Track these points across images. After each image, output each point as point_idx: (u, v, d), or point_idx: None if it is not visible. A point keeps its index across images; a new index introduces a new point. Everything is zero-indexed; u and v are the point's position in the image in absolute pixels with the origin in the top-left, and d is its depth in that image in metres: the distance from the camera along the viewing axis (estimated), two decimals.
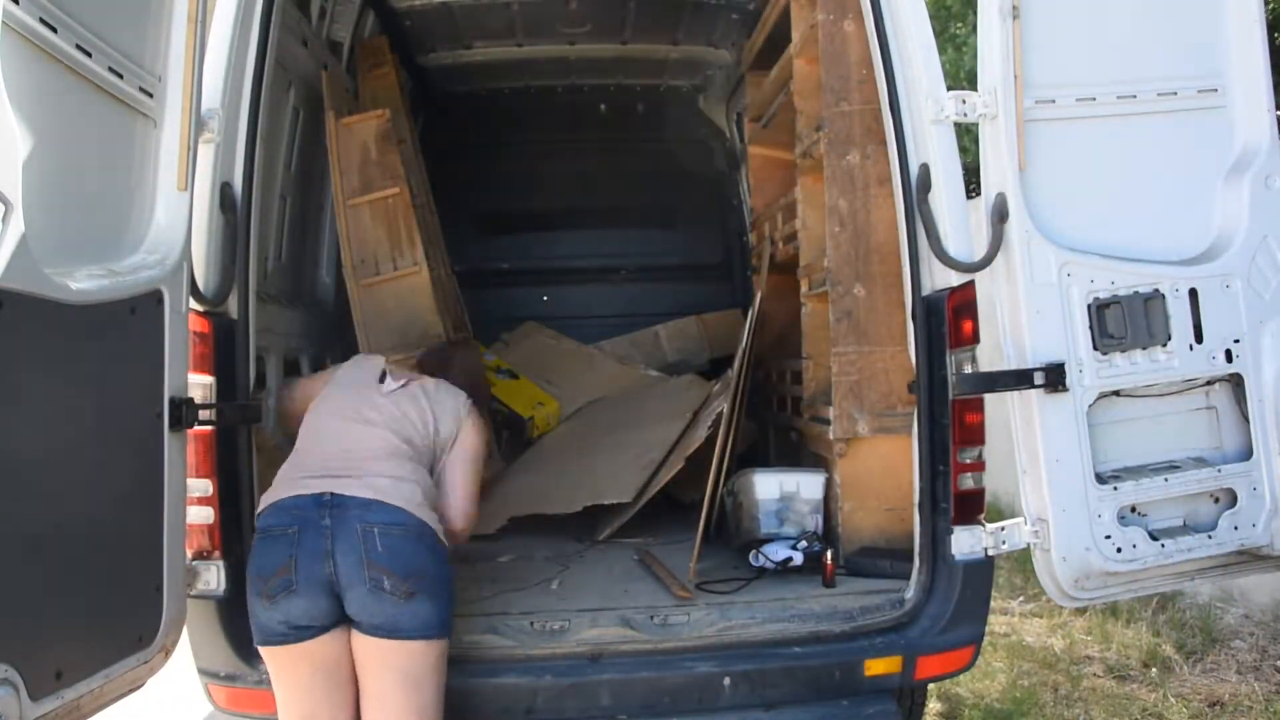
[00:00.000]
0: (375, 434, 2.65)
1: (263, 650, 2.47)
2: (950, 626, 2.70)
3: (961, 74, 7.50)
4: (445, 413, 2.78)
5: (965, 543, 2.69)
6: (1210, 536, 2.72)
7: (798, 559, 3.13)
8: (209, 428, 2.55)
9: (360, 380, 2.83)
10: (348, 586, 2.39)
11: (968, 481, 2.69)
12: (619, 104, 5.42)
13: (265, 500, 2.55)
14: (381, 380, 2.82)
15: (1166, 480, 2.71)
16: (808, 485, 3.36)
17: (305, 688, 2.44)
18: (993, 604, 2.89)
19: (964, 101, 2.68)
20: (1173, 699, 3.97)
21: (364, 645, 2.43)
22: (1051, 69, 2.69)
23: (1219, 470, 2.74)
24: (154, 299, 2.27)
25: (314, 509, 2.45)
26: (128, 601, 2.22)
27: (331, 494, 2.46)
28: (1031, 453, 2.65)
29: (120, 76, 2.20)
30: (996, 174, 2.67)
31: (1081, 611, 4.84)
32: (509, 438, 4.71)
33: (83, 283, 2.02)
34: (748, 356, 3.60)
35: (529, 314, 5.33)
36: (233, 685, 2.62)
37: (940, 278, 2.71)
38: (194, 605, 2.52)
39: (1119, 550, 2.66)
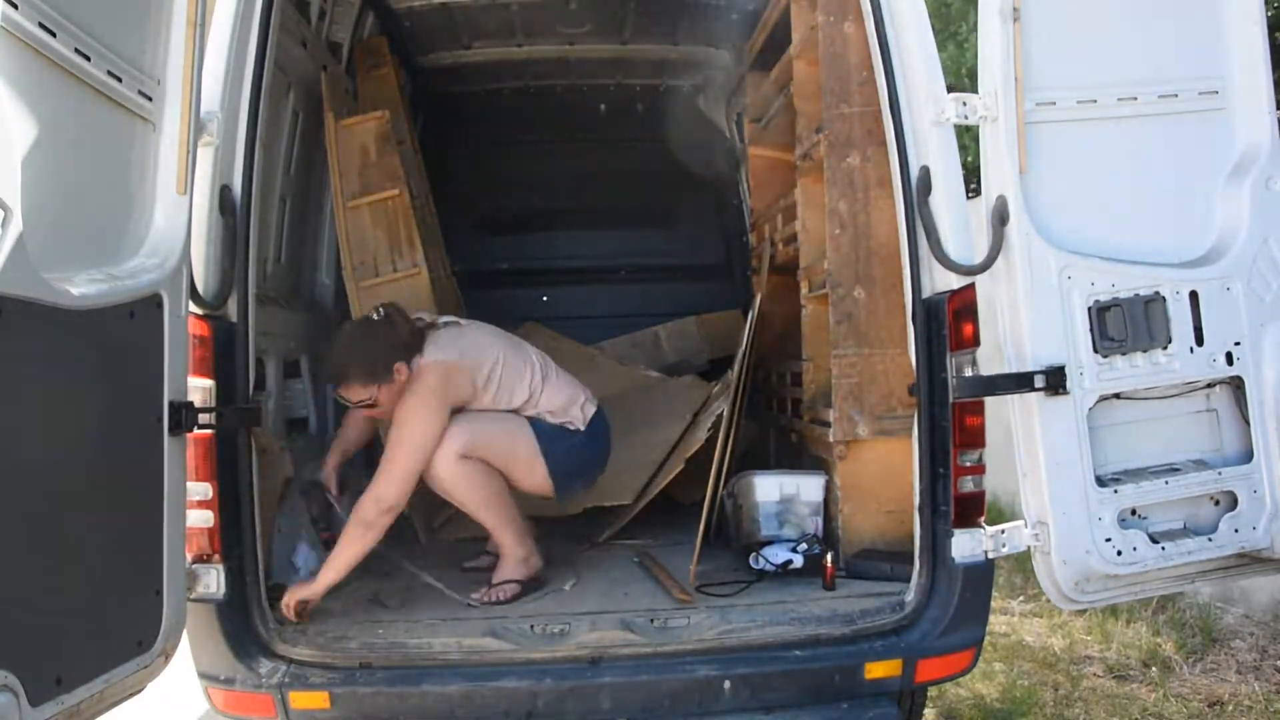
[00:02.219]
0: None
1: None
2: (950, 629, 2.70)
3: (964, 70, 7.48)
4: None
5: (965, 545, 2.68)
6: (1210, 539, 2.71)
7: (798, 561, 3.13)
8: (209, 431, 2.54)
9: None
10: None
11: (968, 484, 2.69)
12: (619, 104, 5.41)
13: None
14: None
15: (1167, 483, 2.70)
16: (808, 488, 3.36)
17: None
18: (993, 604, 2.89)
19: (964, 104, 2.68)
20: (1173, 699, 3.97)
21: None
22: (1052, 71, 2.68)
23: (1219, 473, 2.73)
24: (153, 302, 2.26)
25: None
26: (127, 606, 2.22)
27: None
28: (1032, 455, 2.65)
29: (119, 80, 2.20)
30: (997, 176, 2.67)
31: (1081, 611, 4.84)
32: None
33: (82, 287, 2.02)
34: (748, 358, 3.59)
35: (529, 314, 5.33)
36: (231, 688, 2.62)
37: (940, 280, 2.70)
38: (194, 609, 2.52)
39: (1119, 553, 2.66)
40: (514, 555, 3.25)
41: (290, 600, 2.84)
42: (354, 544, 2.98)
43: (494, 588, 3.17)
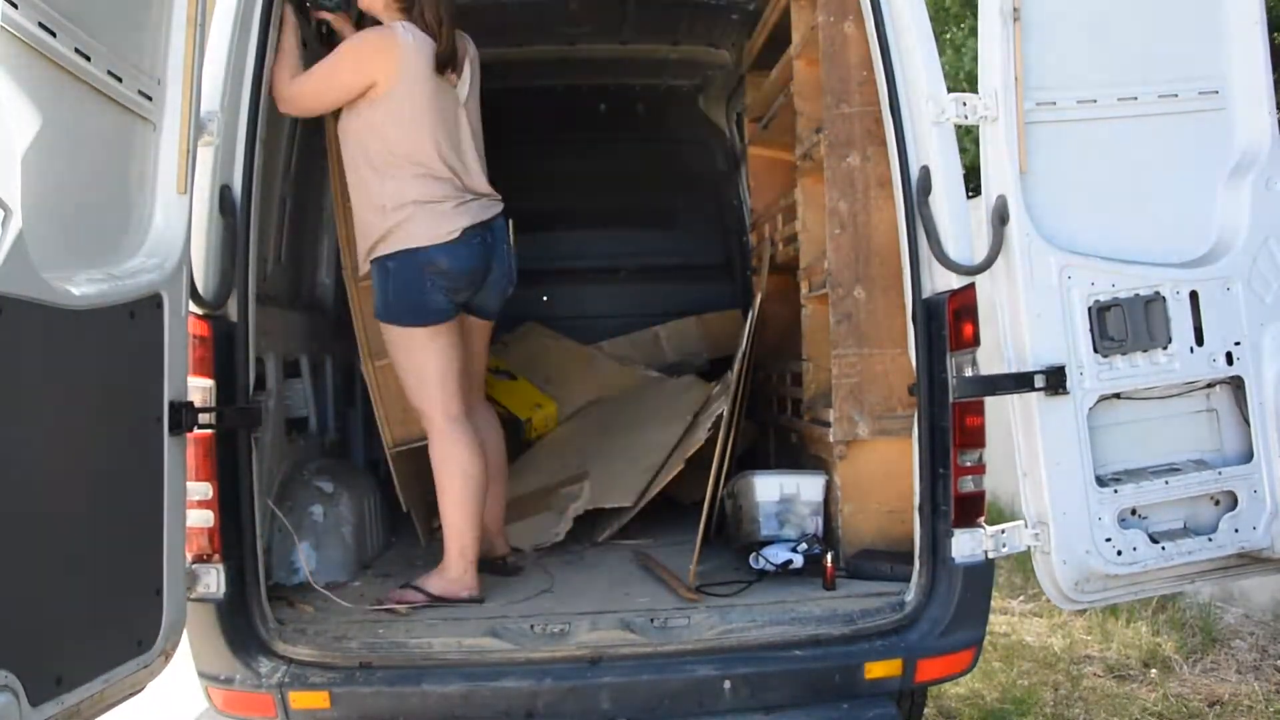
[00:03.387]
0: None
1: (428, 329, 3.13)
2: (950, 629, 2.69)
3: (961, 76, 7.50)
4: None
5: (965, 545, 2.68)
6: (1210, 539, 2.72)
7: (798, 561, 3.13)
8: (209, 431, 2.55)
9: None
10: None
11: (968, 484, 2.69)
12: (619, 104, 5.41)
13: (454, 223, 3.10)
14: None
15: (1167, 483, 2.71)
16: (808, 487, 3.36)
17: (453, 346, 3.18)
18: (993, 604, 2.89)
19: (964, 104, 2.68)
20: (1173, 699, 3.97)
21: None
22: (1052, 71, 2.69)
23: (1219, 473, 2.73)
24: (153, 302, 2.27)
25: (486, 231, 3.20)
26: (128, 605, 2.22)
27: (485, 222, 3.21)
28: (1032, 455, 2.65)
29: (119, 80, 2.20)
30: (997, 176, 2.67)
31: (1081, 611, 4.84)
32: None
33: (82, 287, 2.02)
34: (748, 358, 3.59)
35: (529, 314, 5.33)
36: (230, 688, 2.62)
37: (940, 280, 2.70)
38: (194, 608, 2.52)
39: (1119, 553, 2.66)
40: (446, 572, 3.11)
41: None
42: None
43: (404, 590, 3.08)
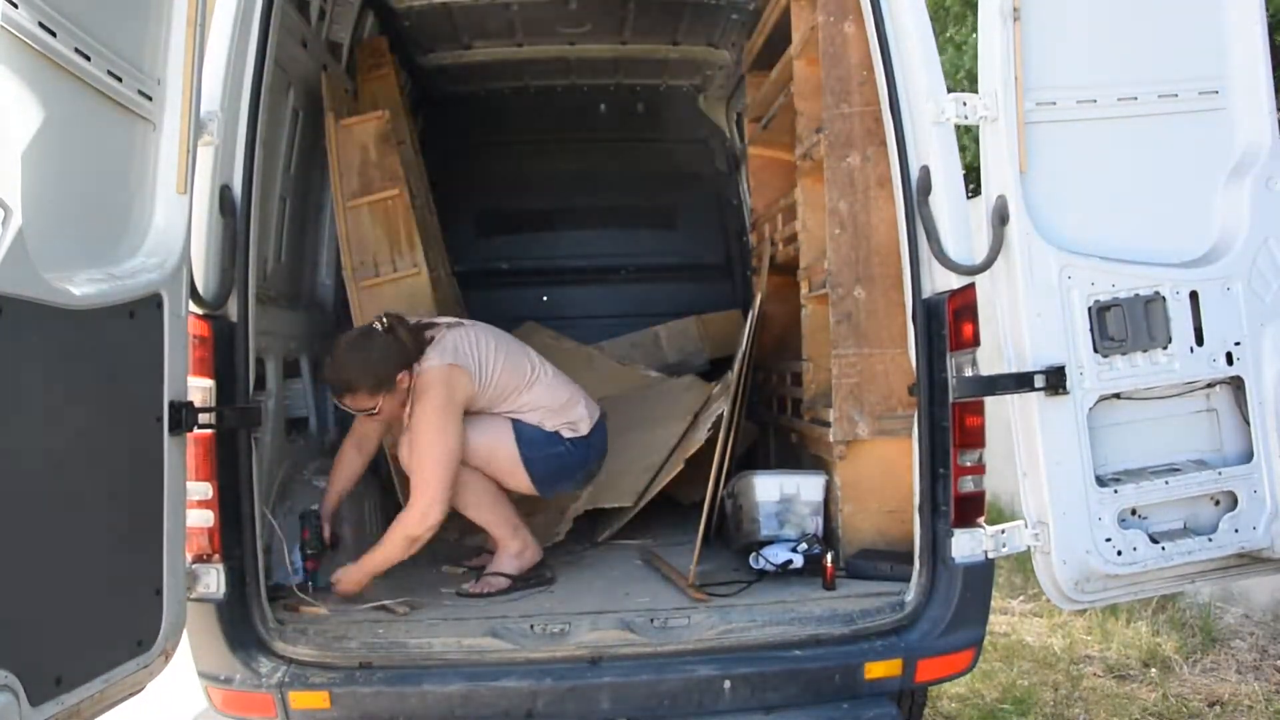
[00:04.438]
0: None
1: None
2: (950, 629, 2.70)
3: (961, 74, 7.50)
4: None
5: (965, 545, 2.68)
6: (1210, 539, 2.71)
7: (798, 561, 3.13)
8: (209, 431, 2.55)
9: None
10: None
11: (968, 484, 2.69)
12: (619, 104, 5.41)
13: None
14: None
15: (1167, 483, 2.70)
16: (808, 487, 3.36)
17: None
18: (993, 604, 2.89)
19: (964, 104, 2.68)
20: (1173, 699, 3.97)
21: None
22: (1052, 71, 2.69)
23: (1219, 473, 2.73)
24: (153, 302, 2.27)
25: None
26: (127, 606, 2.22)
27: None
28: (1032, 455, 2.65)
29: (119, 80, 2.20)
30: (997, 176, 2.67)
31: (1081, 611, 4.83)
32: None
33: (82, 287, 2.02)
34: (748, 358, 3.59)
35: (529, 314, 5.33)
36: (230, 688, 2.62)
37: (941, 280, 2.71)
38: (194, 608, 2.52)
39: (1119, 553, 2.66)
40: (507, 550, 3.31)
41: (338, 589, 3.08)
42: (398, 553, 3.13)
43: (484, 579, 3.23)
